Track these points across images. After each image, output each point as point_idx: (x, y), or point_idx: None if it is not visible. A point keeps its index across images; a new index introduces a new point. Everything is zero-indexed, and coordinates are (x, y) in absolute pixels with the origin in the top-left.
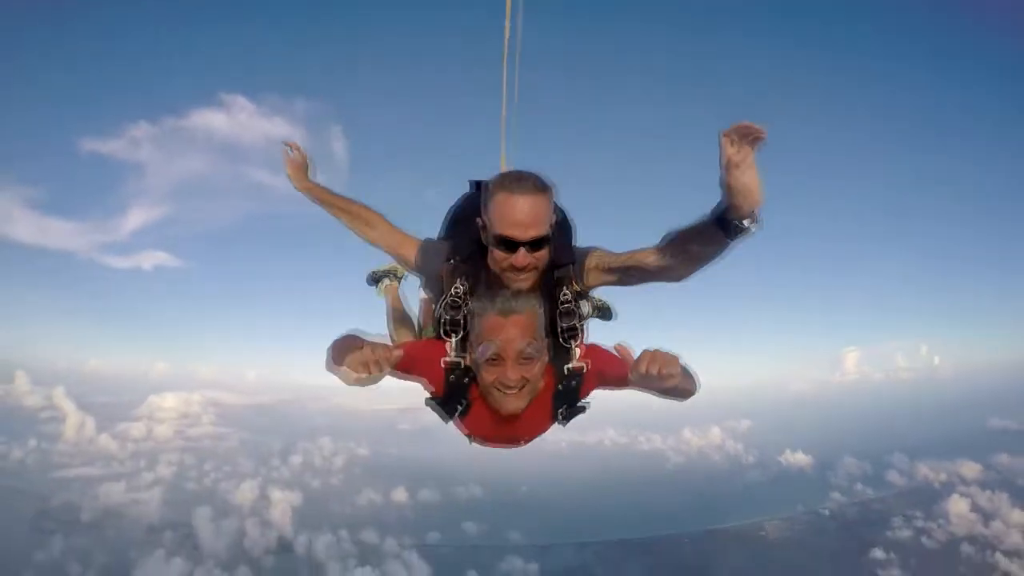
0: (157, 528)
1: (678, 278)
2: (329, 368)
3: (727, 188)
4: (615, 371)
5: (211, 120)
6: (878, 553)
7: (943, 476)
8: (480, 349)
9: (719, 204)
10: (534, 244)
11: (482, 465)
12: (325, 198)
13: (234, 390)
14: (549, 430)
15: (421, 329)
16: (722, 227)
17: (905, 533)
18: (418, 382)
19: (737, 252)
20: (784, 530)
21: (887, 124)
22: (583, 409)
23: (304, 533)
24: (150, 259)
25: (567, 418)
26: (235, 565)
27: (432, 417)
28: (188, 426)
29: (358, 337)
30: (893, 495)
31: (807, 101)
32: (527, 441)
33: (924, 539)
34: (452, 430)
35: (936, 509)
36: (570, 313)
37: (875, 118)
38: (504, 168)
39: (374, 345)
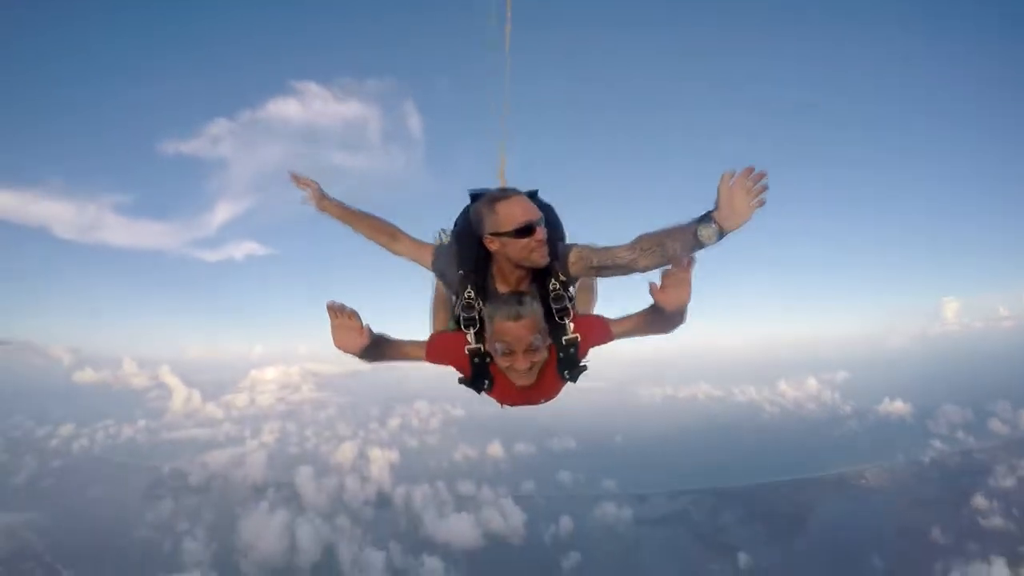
0: (261, 488)
1: (642, 270)
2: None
3: (723, 207)
4: (601, 335)
5: (286, 109)
6: (980, 501)
7: None
8: (496, 347)
9: (703, 215)
10: (541, 222)
11: (576, 418)
12: (345, 215)
13: (332, 362)
14: (564, 387)
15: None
16: (695, 234)
17: (1009, 482)
18: (449, 367)
19: (833, 203)
20: (884, 479)
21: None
22: (584, 368)
23: (402, 486)
24: (240, 249)
25: (573, 377)
26: (335, 516)
27: None
28: (289, 394)
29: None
30: (997, 445)
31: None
32: (547, 400)
33: None
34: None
35: None
36: (559, 298)
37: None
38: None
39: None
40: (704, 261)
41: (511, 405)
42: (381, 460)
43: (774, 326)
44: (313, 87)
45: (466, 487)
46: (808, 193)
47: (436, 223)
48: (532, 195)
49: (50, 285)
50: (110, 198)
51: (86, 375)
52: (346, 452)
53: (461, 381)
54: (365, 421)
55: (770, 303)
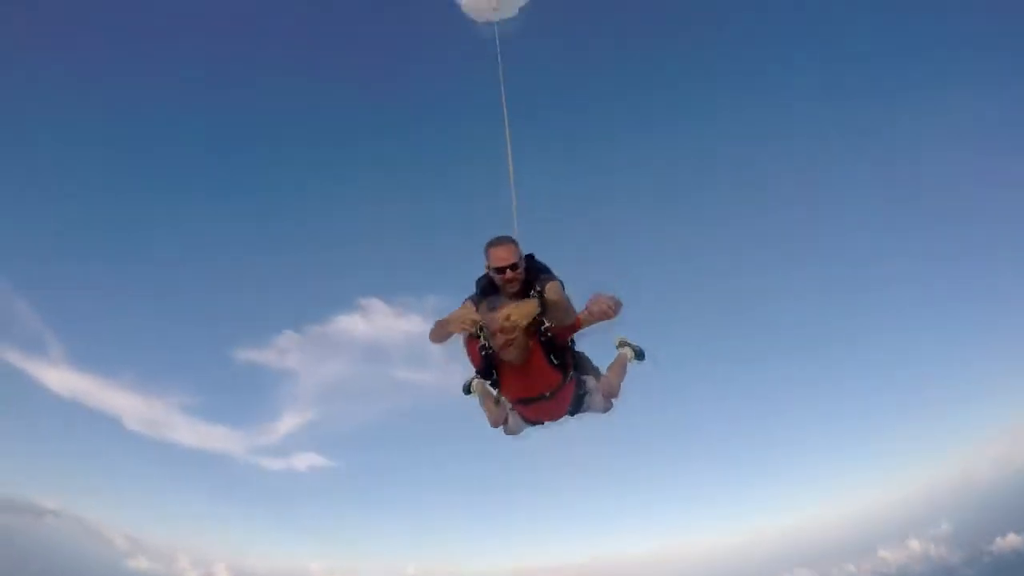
0: None
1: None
2: (434, 336)
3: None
4: (571, 328)
5: (351, 325)
6: None
7: None
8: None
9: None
10: (512, 267)
11: None
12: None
13: None
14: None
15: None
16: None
17: None
18: (469, 361)
19: (882, 348)
20: None
21: None
22: (574, 359)
23: None
24: (303, 461)
25: (561, 364)
26: None
27: None
28: None
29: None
30: None
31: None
32: (554, 399)
33: None
34: None
35: None
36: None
37: None
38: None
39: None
40: (783, 444)
41: (523, 403)
42: None
43: (863, 495)
44: (376, 303)
45: None
46: (866, 343)
47: (491, 433)
48: (529, 257)
49: (115, 471)
50: (178, 398)
51: (139, 563)
52: None
53: (476, 374)
54: None
55: (852, 473)
